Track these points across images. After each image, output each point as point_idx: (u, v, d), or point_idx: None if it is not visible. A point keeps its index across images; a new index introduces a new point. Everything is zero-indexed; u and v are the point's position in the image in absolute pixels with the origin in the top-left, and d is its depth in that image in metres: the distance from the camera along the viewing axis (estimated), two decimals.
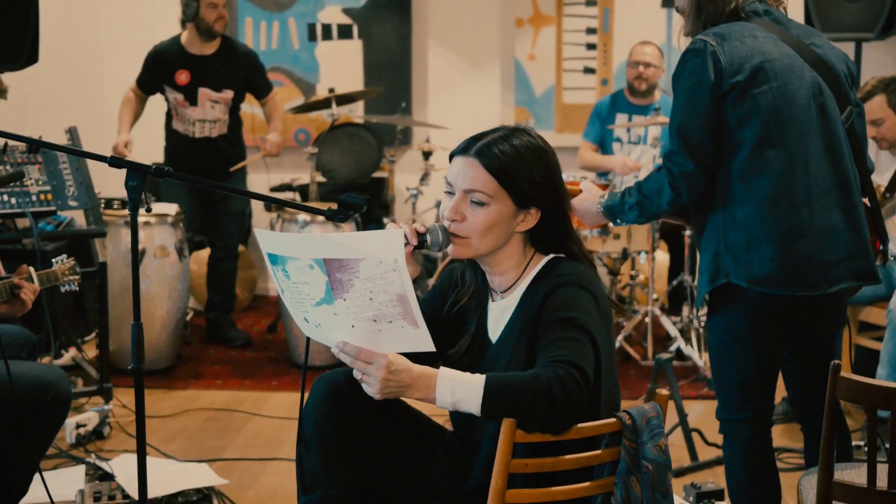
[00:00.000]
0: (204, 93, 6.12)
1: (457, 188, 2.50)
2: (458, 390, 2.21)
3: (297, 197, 6.77)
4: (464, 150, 2.52)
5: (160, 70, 6.12)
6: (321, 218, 5.77)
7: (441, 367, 2.27)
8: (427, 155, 6.40)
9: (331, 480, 2.50)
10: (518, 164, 2.47)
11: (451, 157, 2.56)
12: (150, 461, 4.44)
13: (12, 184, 4.63)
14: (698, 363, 5.62)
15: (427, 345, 2.25)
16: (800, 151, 3.09)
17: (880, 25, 6.11)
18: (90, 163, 5.00)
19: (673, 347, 5.71)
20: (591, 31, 7.34)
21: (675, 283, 6.25)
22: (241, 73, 6.21)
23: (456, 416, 2.61)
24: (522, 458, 2.20)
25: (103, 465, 4.26)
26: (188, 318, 6.32)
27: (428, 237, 2.53)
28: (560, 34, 7.36)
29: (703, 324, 6.08)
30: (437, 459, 2.63)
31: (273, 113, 6.38)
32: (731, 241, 3.14)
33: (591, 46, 7.36)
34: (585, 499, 2.30)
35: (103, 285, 4.99)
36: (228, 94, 6.18)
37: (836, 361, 2.67)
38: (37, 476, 3.59)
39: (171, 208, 5.75)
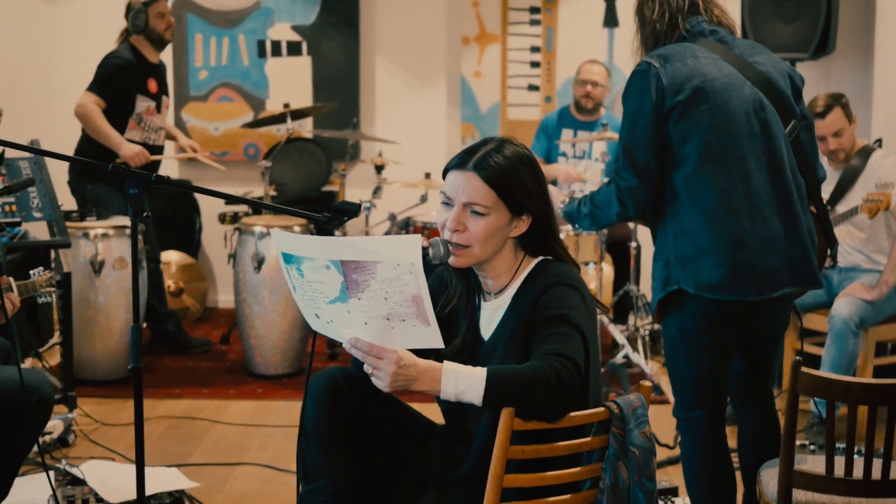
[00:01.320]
0: (165, 100, 6.23)
1: (456, 200, 2.65)
2: (462, 382, 2.36)
3: (249, 210, 6.86)
4: (460, 164, 2.67)
5: (135, 79, 6.07)
6: (278, 228, 5.87)
7: (445, 362, 2.42)
8: (380, 169, 6.54)
9: (332, 470, 2.64)
10: (513, 175, 2.63)
11: (446, 171, 2.71)
12: (120, 466, 4.54)
13: None
14: (645, 370, 5.82)
15: (437, 342, 2.40)
16: (739, 166, 3.30)
17: (814, 46, 6.38)
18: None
19: (621, 354, 5.90)
20: (535, 49, 7.54)
21: (620, 292, 6.45)
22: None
23: (448, 409, 2.76)
24: (518, 446, 2.36)
25: (74, 470, 4.33)
26: None
27: (430, 251, 2.67)
28: (505, 52, 7.54)
29: (648, 332, 6.29)
30: (430, 450, 2.78)
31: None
32: (679, 250, 3.34)
33: (535, 64, 7.55)
34: (573, 483, 2.47)
35: (67, 295, 5.07)
36: (169, 100, 6.34)
37: (798, 358, 2.87)
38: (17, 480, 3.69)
39: (129, 221, 5.82)
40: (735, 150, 3.28)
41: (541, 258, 2.72)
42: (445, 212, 2.68)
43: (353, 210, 2.74)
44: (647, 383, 2.52)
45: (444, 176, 2.72)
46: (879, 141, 5.48)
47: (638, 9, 3.52)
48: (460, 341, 2.73)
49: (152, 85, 6.13)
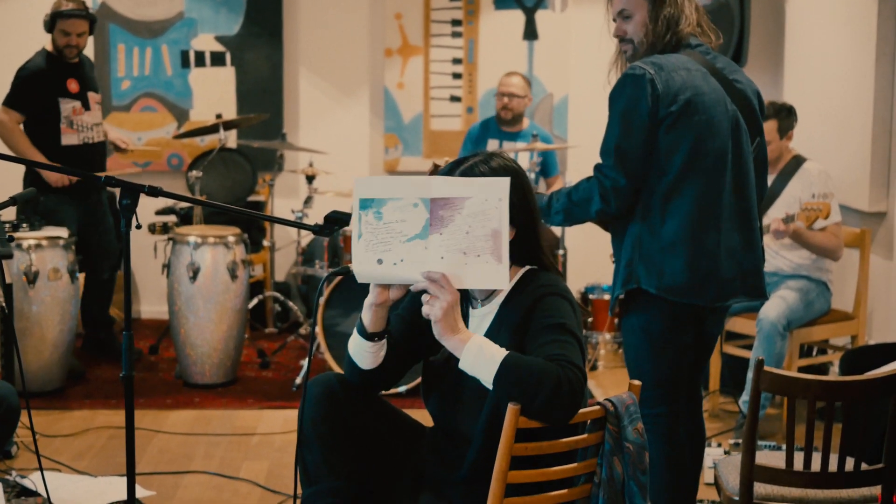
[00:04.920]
0: (91, 96, 6.22)
1: None
2: (480, 357, 2.52)
3: (178, 220, 6.87)
4: (448, 172, 2.78)
5: (50, 84, 6.04)
6: (212, 239, 5.92)
7: (475, 335, 2.58)
8: (311, 179, 6.60)
9: (333, 472, 2.73)
10: None
11: None
12: (70, 477, 4.56)
13: None
14: None
15: (503, 281, 2.58)
16: (716, 179, 3.46)
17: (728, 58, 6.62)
18: None
19: None
20: (456, 61, 7.67)
21: None
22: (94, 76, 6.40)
23: (438, 412, 2.87)
24: (521, 443, 2.47)
25: (24, 481, 4.33)
26: None
27: None
28: (427, 64, 7.66)
29: None
30: (422, 451, 2.88)
31: None
32: (645, 251, 3.48)
33: (456, 76, 7.69)
34: (569, 478, 2.59)
35: (9, 305, 5.03)
36: (99, 95, 6.35)
37: (760, 357, 3.04)
38: None
39: (63, 231, 5.81)
40: (715, 163, 3.44)
41: (528, 268, 2.83)
42: None
43: (344, 219, 2.83)
44: (637, 382, 2.65)
45: None
46: None
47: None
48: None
49: (73, 85, 6.10)
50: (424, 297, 2.58)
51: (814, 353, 5.75)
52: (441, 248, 2.56)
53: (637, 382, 2.66)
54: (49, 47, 6.12)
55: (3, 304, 3.97)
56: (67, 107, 6.08)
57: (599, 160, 3.52)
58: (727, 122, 3.48)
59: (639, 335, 3.58)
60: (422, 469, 2.84)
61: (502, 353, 2.52)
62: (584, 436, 2.53)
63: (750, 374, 5.11)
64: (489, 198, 2.53)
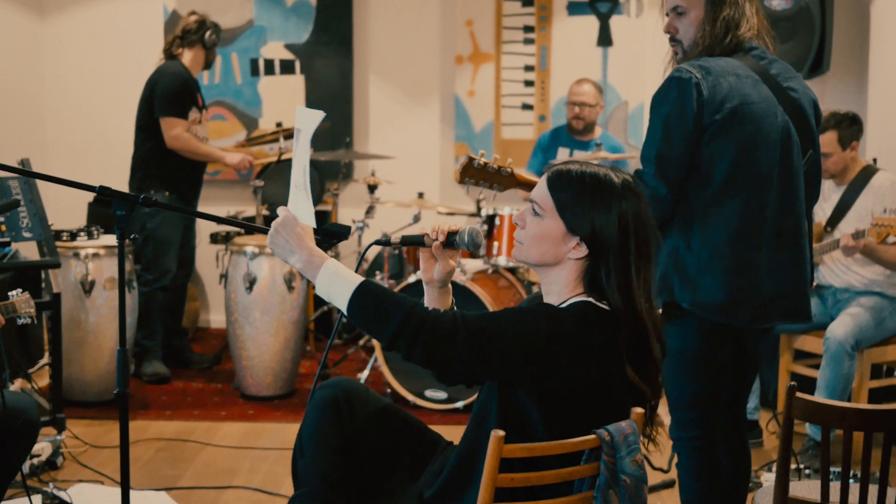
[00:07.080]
0: (205, 112, 6.39)
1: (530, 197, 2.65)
2: (336, 282, 2.51)
3: (241, 230, 6.83)
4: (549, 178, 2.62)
5: (193, 94, 6.23)
6: (269, 249, 5.84)
7: (330, 259, 2.55)
8: (372, 188, 6.50)
9: (321, 478, 2.65)
10: (573, 189, 2.53)
11: None
12: (108, 490, 4.50)
13: None
14: None
15: (309, 219, 2.63)
16: (760, 194, 3.23)
17: (808, 65, 6.36)
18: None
19: None
20: (528, 68, 7.52)
21: None
22: None
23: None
24: (507, 474, 2.31)
25: (61, 494, 4.29)
26: None
27: (457, 237, 2.74)
28: (499, 71, 7.52)
29: None
30: (432, 465, 2.74)
31: None
32: (682, 265, 3.28)
33: (528, 83, 7.53)
34: None
35: (57, 316, 5.01)
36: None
37: (793, 383, 2.83)
38: None
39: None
40: (759, 177, 3.22)
41: (586, 298, 2.56)
42: None
43: (342, 233, 2.71)
44: (639, 410, 2.47)
45: None
46: (874, 161, 5.46)
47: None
48: None
49: (199, 98, 6.30)
50: None
51: (894, 373, 5.46)
52: (291, 181, 2.68)
53: (640, 410, 2.47)
54: (188, 62, 6.26)
55: (32, 314, 3.92)
56: (193, 116, 6.24)
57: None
58: (776, 134, 3.24)
59: (672, 352, 3.37)
60: (425, 485, 2.70)
61: (359, 279, 2.51)
62: (576, 467, 2.36)
63: (817, 395, 4.87)
64: (303, 130, 2.58)
